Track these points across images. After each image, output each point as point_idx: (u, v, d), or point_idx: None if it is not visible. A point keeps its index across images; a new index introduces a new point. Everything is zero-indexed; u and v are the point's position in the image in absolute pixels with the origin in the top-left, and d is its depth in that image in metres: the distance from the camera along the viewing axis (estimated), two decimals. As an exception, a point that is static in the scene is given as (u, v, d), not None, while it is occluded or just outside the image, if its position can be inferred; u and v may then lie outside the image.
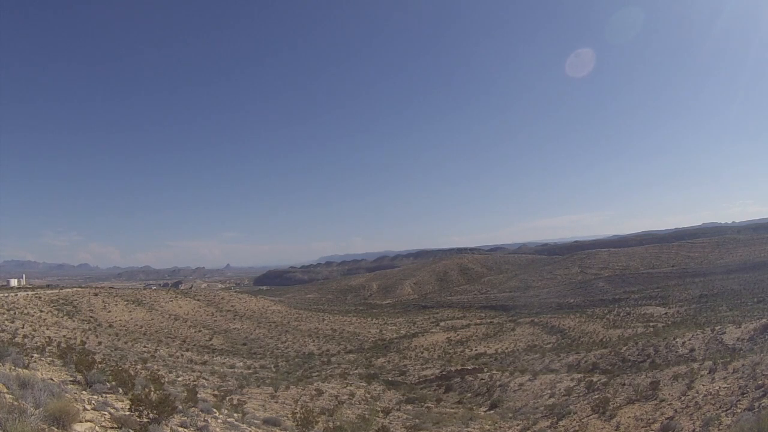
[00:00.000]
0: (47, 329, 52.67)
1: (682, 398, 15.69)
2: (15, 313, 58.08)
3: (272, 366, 50.35)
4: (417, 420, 22.38)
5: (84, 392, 9.68)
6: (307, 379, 39.35)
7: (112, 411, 8.18)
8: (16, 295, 73.83)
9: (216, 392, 23.01)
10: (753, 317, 44.72)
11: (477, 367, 41.48)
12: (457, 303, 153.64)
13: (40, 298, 74.67)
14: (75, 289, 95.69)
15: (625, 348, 39.77)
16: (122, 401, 9.41)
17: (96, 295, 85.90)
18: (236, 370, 42.91)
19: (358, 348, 75.12)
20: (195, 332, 76.23)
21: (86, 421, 7.12)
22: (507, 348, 65.43)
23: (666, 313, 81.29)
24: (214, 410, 12.94)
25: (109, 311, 77.13)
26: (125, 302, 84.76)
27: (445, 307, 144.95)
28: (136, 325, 72.41)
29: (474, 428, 20.68)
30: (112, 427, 7.32)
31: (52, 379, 10.41)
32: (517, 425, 20.53)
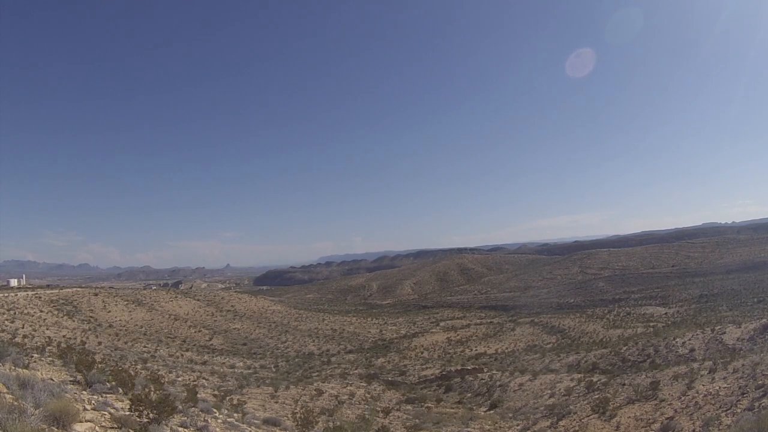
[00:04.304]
0: (47, 329, 52.68)
1: (682, 398, 15.70)
2: (15, 313, 58.08)
3: (272, 366, 50.35)
4: (417, 420, 22.38)
5: (84, 392, 9.67)
6: (307, 379, 39.34)
7: (112, 411, 8.17)
8: (16, 295, 73.81)
9: (216, 392, 23.02)
10: (753, 317, 44.69)
11: (477, 367, 41.46)
12: (457, 303, 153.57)
13: (40, 298, 74.66)
14: (75, 289, 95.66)
15: (625, 348, 39.75)
16: (122, 401, 9.41)
17: (96, 295, 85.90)
18: (236, 370, 42.92)
19: (358, 348, 75.12)
20: (195, 332, 76.24)
21: (86, 421, 7.12)
22: (507, 348, 65.41)
23: (666, 313, 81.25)
24: (214, 410, 12.93)
25: (109, 311, 77.13)
26: (125, 302, 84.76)
27: (445, 307, 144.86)
28: (136, 325, 72.41)
29: (474, 428, 20.68)
30: (112, 427, 7.32)
31: (52, 379, 10.41)
32: (517, 425, 20.53)
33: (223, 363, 48.57)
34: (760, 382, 14.25)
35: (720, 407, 13.30)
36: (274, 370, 47.52)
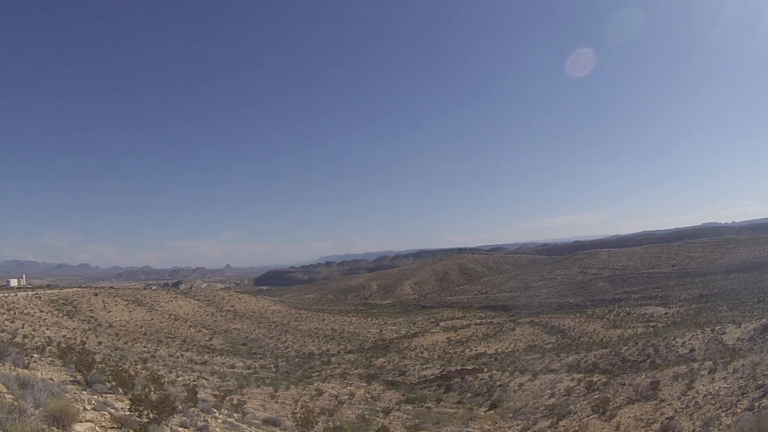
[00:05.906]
0: (47, 329, 52.68)
1: (682, 398, 15.70)
2: (15, 313, 58.06)
3: (272, 366, 50.37)
4: (417, 420, 22.38)
5: (84, 392, 9.67)
6: (307, 379, 39.35)
7: (112, 411, 8.18)
8: (16, 295, 73.79)
9: (216, 392, 23.00)
10: (753, 317, 44.70)
11: (477, 367, 41.50)
12: (457, 303, 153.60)
13: (40, 298, 74.65)
14: (75, 289, 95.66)
15: (625, 348, 39.76)
16: (122, 401, 9.41)
17: (96, 295, 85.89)
18: (236, 370, 42.93)
19: (358, 348, 75.13)
20: (195, 332, 76.24)
21: (86, 421, 7.12)
22: (507, 348, 65.45)
23: (666, 313, 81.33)
24: (214, 410, 12.93)
25: (109, 311, 77.12)
26: (125, 302, 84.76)
27: (445, 307, 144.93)
28: (136, 325, 72.41)
29: (474, 428, 20.68)
30: (112, 427, 7.32)
31: (52, 379, 10.40)
32: (517, 425, 20.54)
33: (223, 363, 48.57)
34: (760, 382, 14.26)
35: (720, 407, 13.31)
36: (274, 370, 47.53)
